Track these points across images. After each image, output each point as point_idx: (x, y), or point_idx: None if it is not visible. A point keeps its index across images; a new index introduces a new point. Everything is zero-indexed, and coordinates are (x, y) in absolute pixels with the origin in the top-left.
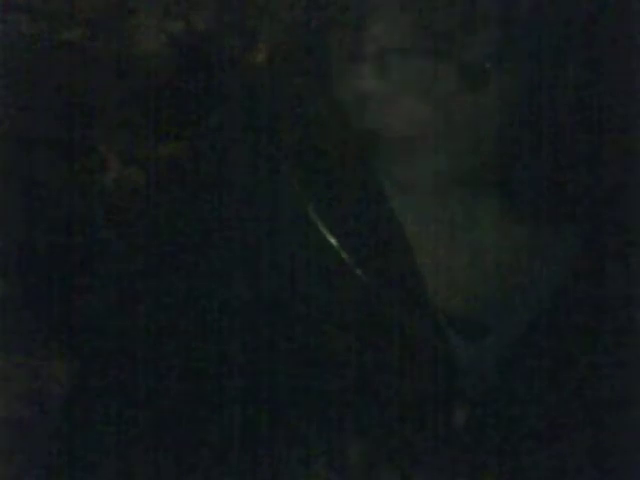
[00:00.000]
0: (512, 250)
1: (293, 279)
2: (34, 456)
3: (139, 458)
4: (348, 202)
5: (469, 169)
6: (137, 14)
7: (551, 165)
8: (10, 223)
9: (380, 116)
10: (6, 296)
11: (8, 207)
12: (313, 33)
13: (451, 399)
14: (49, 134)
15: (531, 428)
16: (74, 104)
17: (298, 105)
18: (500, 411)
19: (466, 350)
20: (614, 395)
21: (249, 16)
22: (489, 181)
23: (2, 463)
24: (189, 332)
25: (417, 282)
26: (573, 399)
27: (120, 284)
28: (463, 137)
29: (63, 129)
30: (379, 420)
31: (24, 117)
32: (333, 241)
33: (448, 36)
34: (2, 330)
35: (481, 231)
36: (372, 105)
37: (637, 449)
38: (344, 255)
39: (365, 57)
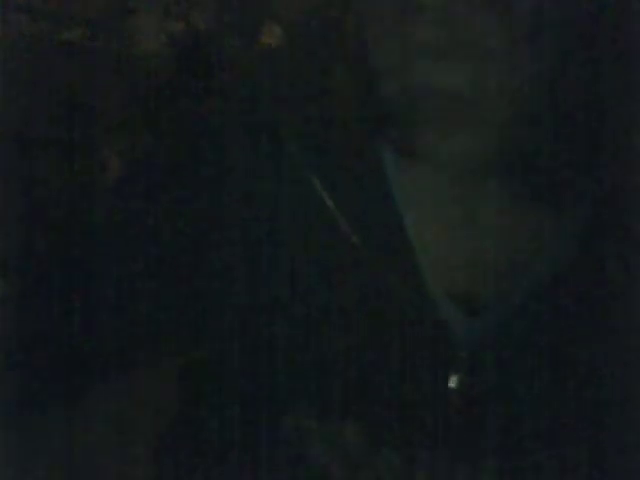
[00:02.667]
0: (517, 232)
1: (299, 270)
2: (34, 456)
3: (139, 458)
4: (350, 183)
5: (502, 145)
6: (137, 14)
7: (569, 145)
8: (10, 223)
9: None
10: (6, 296)
11: (8, 207)
12: None
13: (450, 375)
14: (49, 134)
15: (530, 407)
16: (74, 104)
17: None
18: (499, 389)
19: (465, 324)
20: (614, 380)
21: (249, 15)
22: (510, 160)
23: (2, 463)
24: (190, 331)
25: (417, 261)
26: (571, 381)
27: (120, 284)
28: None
29: (63, 129)
30: (378, 401)
31: (24, 117)
32: (345, 227)
33: None
34: (2, 330)
35: (489, 213)
36: (422, 58)
37: (637, 447)
38: (353, 238)
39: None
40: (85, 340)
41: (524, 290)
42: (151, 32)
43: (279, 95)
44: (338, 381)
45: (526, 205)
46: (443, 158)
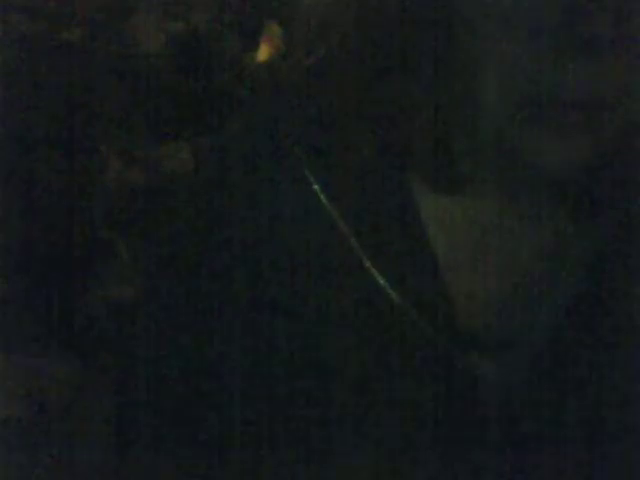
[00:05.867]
0: (531, 253)
1: (302, 278)
2: (34, 456)
3: (139, 458)
4: (373, 209)
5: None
6: (137, 14)
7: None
8: (10, 223)
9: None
10: (6, 296)
11: (8, 207)
12: None
13: (470, 418)
14: (49, 134)
15: (551, 449)
16: (74, 104)
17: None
18: (524, 431)
19: (485, 367)
20: None
21: (249, 16)
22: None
23: (2, 463)
24: (189, 332)
25: (441, 293)
26: (602, 416)
27: (120, 284)
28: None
29: (63, 129)
30: (383, 442)
31: (24, 117)
32: (353, 241)
33: None
34: (2, 330)
35: (498, 232)
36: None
37: None
38: (362, 256)
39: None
40: (84, 340)
41: (548, 318)
42: (151, 32)
43: (302, 120)
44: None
45: (565, 236)
46: (480, 188)
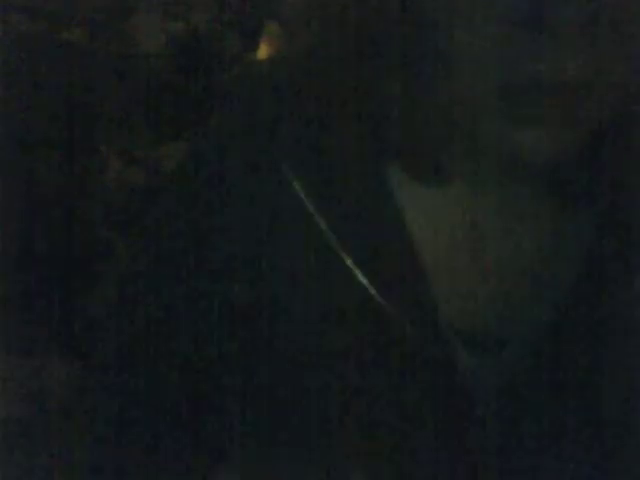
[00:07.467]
0: (524, 250)
1: (293, 282)
2: (34, 456)
3: (139, 458)
4: (352, 202)
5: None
6: (137, 14)
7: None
8: (10, 223)
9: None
10: (6, 296)
11: (8, 207)
12: None
13: (461, 420)
14: (49, 134)
15: (550, 448)
16: (74, 104)
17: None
18: (517, 431)
19: (478, 367)
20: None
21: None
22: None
23: (2, 463)
24: (188, 333)
25: (424, 290)
26: (597, 416)
27: (120, 284)
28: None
29: (63, 129)
30: (378, 445)
31: (24, 117)
32: (335, 244)
33: None
34: (2, 330)
35: (489, 228)
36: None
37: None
38: (347, 260)
39: None
40: (84, 340)
41: (543, 315)
42: (151, 32)
43: (282, 113)
44: (340, 430)
45: (559, 231)
46: (463, 179)
